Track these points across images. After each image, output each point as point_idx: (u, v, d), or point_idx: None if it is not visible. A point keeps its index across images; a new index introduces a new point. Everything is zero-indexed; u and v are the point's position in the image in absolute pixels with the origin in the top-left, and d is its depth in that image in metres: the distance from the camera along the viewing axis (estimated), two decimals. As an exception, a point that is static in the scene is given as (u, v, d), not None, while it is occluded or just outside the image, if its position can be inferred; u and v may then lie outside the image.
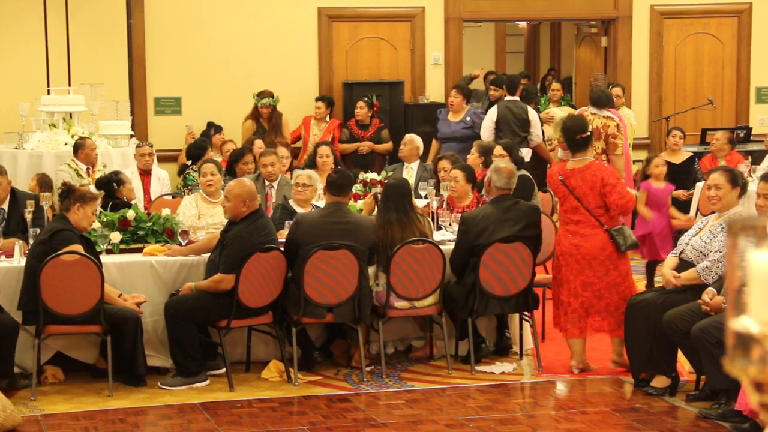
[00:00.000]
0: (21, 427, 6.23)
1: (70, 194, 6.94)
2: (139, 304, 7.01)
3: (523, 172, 8.98)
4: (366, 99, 12.34)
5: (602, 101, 11.15)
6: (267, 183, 9.14)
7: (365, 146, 12.09)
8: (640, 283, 8.71)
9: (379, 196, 7.84)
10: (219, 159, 10.28)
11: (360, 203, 8.53)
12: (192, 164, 10.46)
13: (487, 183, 7.62)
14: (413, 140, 10.37)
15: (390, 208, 7.41)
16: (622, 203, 7.15)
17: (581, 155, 7.28)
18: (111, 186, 8.77)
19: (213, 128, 12.44)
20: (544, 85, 16.08)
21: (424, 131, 11.65)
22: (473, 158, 9.42)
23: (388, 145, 12.21)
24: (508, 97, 11.83)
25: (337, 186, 7.35)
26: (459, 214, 7.99)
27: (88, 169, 9.91)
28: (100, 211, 7.46)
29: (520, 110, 11.64)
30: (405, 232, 7.31)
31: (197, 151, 10.56)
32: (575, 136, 7.28)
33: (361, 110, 12.25)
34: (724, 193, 6.67)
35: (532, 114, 11.79)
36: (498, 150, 9.12)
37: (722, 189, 6.67)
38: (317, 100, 12.56)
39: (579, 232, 7.21)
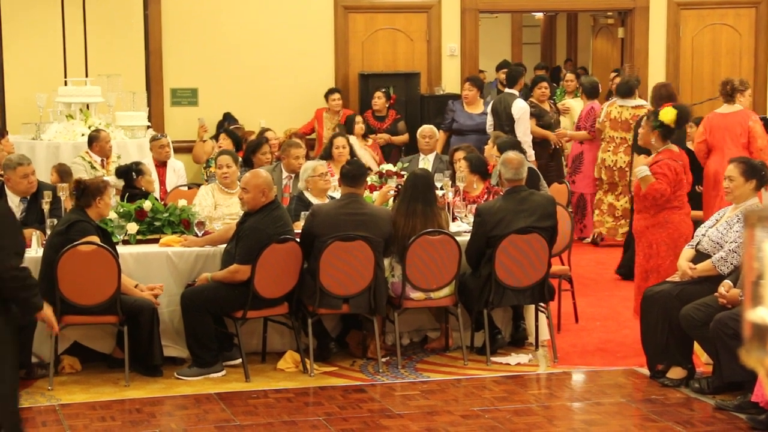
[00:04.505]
0: (39, 416, 6.27)
1: (86, 190, 6.95)
2: (156, 296, 7.04)
3: (528, 164, 8.93)
4: (384, 90, 12.35)
5: (625, 91, 11.09)
6: (286, 174, 9.14)
7: (382, 138, 12.07)
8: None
9: (399, 188, 7.81)
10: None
11: (375, 194, 8.53)
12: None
13: (499, 176, 7.61)
14: (434, 132, 10.39)
15: (417, 198, 7.36)
16: None
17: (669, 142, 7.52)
18: (130, 175, 8.80)
19: (228, 120, 12.46)
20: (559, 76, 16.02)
21: (440, 122, 11.61)
22: (489, 148, 9.38)
23: (404, 137, 12.19)
24: (507, 90, 11.66)
25: (352, 177, 7.34)
26: (472, 205, 7.99)
27: (102, 161, 9.94)
28: (118, 202, 7.48)
29: (507, 105, 11.16)
30: (427, 225, 7.29)
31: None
32: (682, 125, 7.62)
33: (379, 100, 12.27)
34: (737, 185, 6.65)
35: (518, 110, 11.12)
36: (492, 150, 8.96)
37: (735, 181, 6.65)
38: (333, 92, 12.52)
39: (688, 212, 7.49)
